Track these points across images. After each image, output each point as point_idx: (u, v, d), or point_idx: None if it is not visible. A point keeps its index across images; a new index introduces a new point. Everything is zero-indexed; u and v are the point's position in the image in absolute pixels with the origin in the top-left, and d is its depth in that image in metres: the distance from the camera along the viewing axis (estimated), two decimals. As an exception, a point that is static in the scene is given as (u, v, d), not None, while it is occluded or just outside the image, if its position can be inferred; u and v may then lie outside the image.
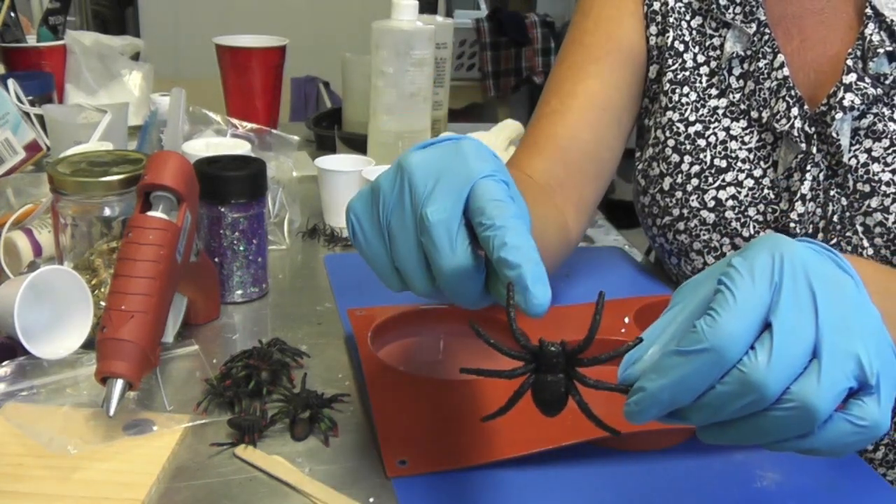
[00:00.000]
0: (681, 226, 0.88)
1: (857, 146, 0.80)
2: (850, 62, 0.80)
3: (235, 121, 1.13)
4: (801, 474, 0.64)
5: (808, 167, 0.81)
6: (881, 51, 0.79)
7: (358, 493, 0.60)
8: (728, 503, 0.61)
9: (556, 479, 0.62)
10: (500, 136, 1.29)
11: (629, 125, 0.95)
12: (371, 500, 0.60)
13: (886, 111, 0.79)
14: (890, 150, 0.79)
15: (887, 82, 0.79)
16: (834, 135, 0.80)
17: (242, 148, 1.03)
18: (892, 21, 0.79)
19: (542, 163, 0.88)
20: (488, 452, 0.62)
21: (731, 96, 0.87)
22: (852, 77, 0.79)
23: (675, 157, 0.88)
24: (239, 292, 0.88)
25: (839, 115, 0.79)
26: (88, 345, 0.71)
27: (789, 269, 0.43)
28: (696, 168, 0.87)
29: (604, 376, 0.49)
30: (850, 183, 0.80)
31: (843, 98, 0.79)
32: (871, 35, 0.79)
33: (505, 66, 3.53)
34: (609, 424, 0.49)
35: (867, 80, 0.79)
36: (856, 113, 0.80)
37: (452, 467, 0.62)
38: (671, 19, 0.90)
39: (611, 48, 0.91)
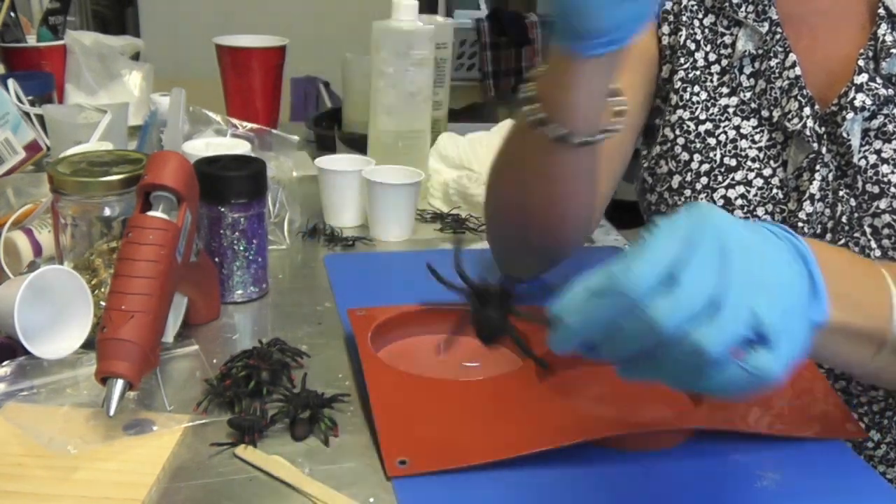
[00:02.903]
0: None
1: (868, 147, 0.80)
2: (861, 62, 0.80)
3: (235, 121, 1.13)
4: (801, 474, 0.64)
5: (818, 167, 0.81)
6: (894, 51, 0.78)
7: (358, 493, 0.60)
8: (728, 503, 0.61)
9: (556, 479, 0.62)
10: (500, 136, 1.29)
11: (641, 126, 0.94)
12: (371, 500, 0.60)
13: None
14: None
15: None
16: (844, 135, 0.80)
17: (242, 148, 1.03)
18: None
19: None
20: (488, 452, 0.62)
21: (742, 95, 0.87)
22: (864, 77, 0.79)
23: (685, 156, 0.88)
24: (239, 292, 0.88)
25: (850, 116, 0.79)
26: (88, 345, 0.71)
27: (707, 230, 0.47)
28: (705, 166, 0.87)
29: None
30: (860, 184, 0.80)
31: (854, 98, 0.79)
32: (883, 35, 0.79)
33: (505, 66, 3.53)
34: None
35: (879, 80, 0.79)
36: (866, 114, 0.79)
37: (452, 467, 0.62)
38: (684, 18, 0.89)
39: (626, 50, 0.91)
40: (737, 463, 0.65)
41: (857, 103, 0.79)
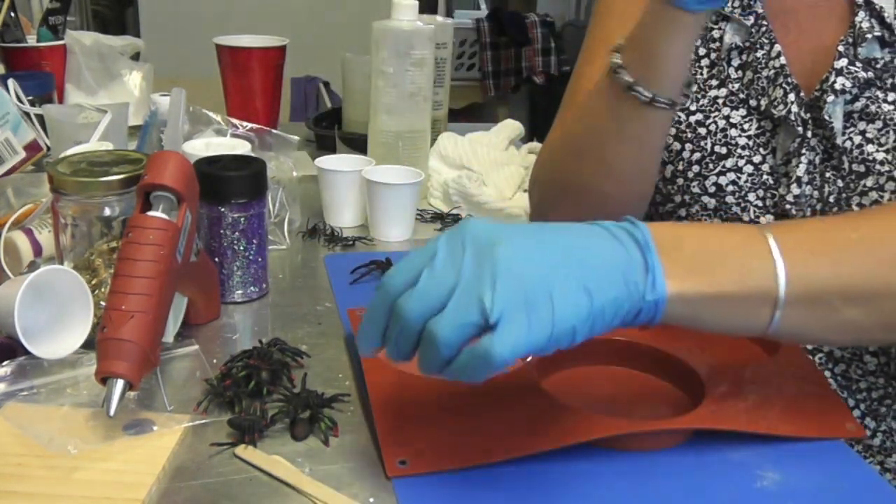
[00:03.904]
0: (683, 212, 0.90)
1: (852, 128, 0.83)
2: (841, 48, 0.83)
3: (235, 121, 1.13)
4: (801, 474, 0.64)
5: (804, 151, 0.84)
6: (870, 36, 0.82)
7: (358, 493, 0.60)
8: (728, 503, 0.61)
9: (556, 479, 0.62)
10: (500, 136, 1.29)
11: None
12: (371, 500, 0.60)
13: (880, 94, 0.82)
14: (883, 131, 0.81)
15: (878, 66, 0.82)
16: (826, 118, 0.82)
17: (242, 148, 1.03)
18: (881, 7, 0.82)
19: None
20: (488, 452, 0.62)
21: (730, 86, 0.89)
22: (843, 62, 0.82)
23: (677, 146, 0.89)
24: (239, 292, 0.88)
25: (831, 99, 0.82)
26: (88, 345, 0.71)
27: (453, 236, 0.55)
28: (696, 155, 0.88)
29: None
30: (846, 164, 0.83)
31: (834, 82, 0.82)
32: (860, 22, 0.82)
33: (505, 66, 3.53)
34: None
35: (858, 64, 0.82)
36: (848, 97, 0.82)
37: (452, 467, 0.62)
38: None
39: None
40: (736, 463, 0.65)
41: (838, 86, 0.82)
